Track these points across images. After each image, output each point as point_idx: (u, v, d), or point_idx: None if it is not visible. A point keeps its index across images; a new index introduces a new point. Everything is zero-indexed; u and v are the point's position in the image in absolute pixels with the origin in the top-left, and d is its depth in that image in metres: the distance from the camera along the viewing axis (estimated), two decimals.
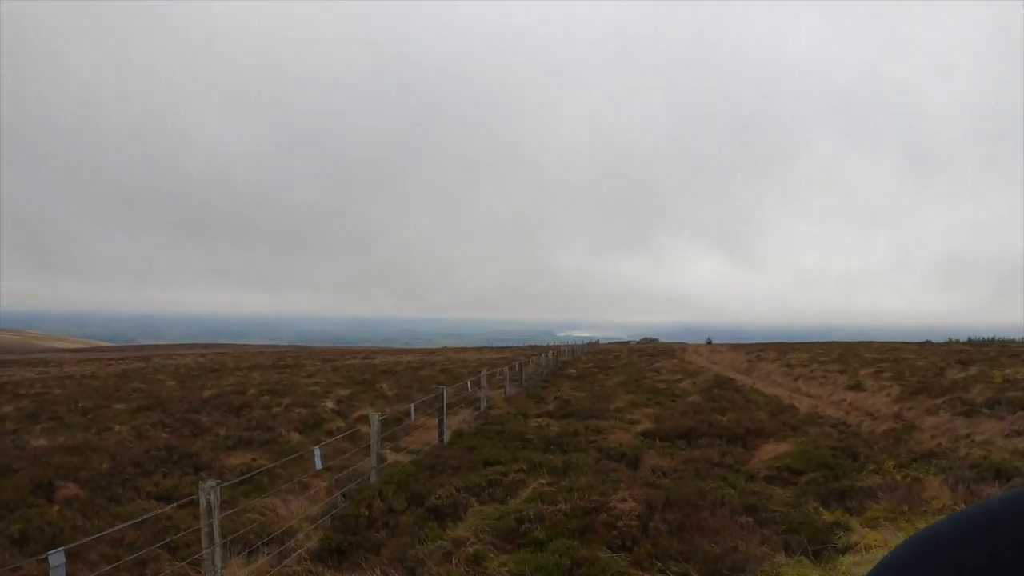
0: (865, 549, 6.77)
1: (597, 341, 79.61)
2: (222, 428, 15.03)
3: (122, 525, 7.36)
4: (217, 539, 6.43)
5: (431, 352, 61.18)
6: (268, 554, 7.60)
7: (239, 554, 7.57)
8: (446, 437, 13.66)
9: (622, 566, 6.44)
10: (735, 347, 55.39)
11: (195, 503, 7.07)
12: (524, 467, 10.19)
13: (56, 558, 5.01)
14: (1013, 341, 44.21)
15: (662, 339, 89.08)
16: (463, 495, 8.92)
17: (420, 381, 26.35)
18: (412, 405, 13.96)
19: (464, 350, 63.23)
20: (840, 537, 7.12)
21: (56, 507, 9.37)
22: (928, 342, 48.52)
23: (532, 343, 78.80)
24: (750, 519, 7.62)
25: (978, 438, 13.36)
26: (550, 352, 37.96)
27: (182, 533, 7.81)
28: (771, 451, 12.15)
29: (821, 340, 61.26)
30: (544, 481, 9.36)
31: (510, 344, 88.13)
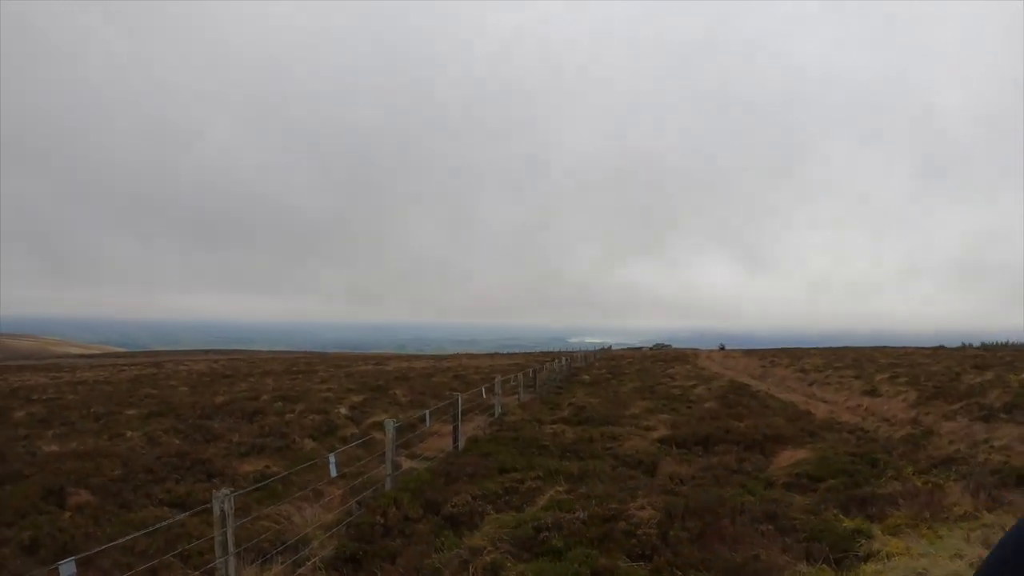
0: (887, 557, 6.68)
1: (609, 347, 79.40)
2: (235, 434, 14.96)
3: (135, 534, 7.29)
4: (231, 548, 6.35)
5: (443, 358, 61.18)
6: (282, 563, 7.53)
7: (253, 563, 7.50)
8: (461, 444, 13.58)
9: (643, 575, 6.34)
10: (748, 353, 55.24)
11: (208, 510, 7.01)
12: (540, 474, 10.10)
13: (67, 568, 4.94)
14: None
15: (675, 345, 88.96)
16: (479, 503, 8.83)
17: (433, 387, 26.28)
18: (427, 411, 13.89)
19: (476, 356, 63.21)
20: (862, 545, 7.03)
21: (67, 514, 9.31)
22: (941, 347, 48.12)
23: (544, 349, 78.64)
24: (770, 527, 7.50)
25: (997, 443, 13.14)
26: (563, 358, 37.83)
27: (195, 542, 7.73)
28: (789, 457, 12.01)
29: (834, 345, 60.95)
30: (561, 488, 9.28)
31: (522, 350, 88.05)
